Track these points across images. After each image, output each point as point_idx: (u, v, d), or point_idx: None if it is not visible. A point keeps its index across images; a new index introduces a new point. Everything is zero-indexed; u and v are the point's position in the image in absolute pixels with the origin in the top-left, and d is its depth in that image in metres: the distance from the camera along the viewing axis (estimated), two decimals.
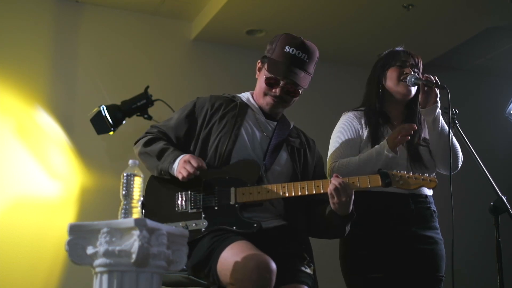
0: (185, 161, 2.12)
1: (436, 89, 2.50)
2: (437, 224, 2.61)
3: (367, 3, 4.45)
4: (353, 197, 2.13)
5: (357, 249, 2.56)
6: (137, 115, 4.17)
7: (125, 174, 1.66)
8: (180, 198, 2.20)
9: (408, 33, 4.78)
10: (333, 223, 2.19)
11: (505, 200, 2.54)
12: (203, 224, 2.14)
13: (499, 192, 2.56)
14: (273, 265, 1.89)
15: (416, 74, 2.59)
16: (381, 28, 4.74)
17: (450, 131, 2.51)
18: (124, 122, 4.13)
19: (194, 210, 2.17)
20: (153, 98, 4.10)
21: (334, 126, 2.73)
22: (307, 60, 2.26)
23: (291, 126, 2.41)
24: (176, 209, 2.19)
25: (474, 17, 4.62)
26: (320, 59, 2.33)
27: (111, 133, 4.10)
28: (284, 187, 2.16)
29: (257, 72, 2.36)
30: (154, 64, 4.86)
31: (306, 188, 2.15)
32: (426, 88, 2.52)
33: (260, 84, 2.31)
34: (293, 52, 2.22)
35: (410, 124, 2.46)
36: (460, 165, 2.65)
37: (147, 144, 2.27)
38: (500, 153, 5.36)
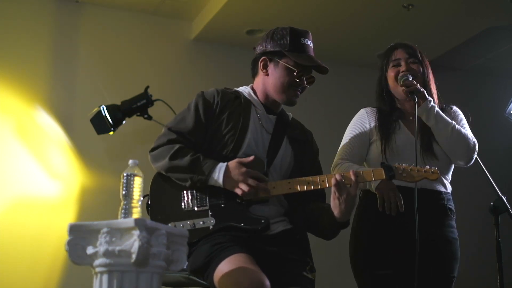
0: (242, 174, 2.10)
1: (417, 92, 2.45)
2: (452, 222, 2.55)
3: (367, 3, 4.45)
4: (356, 201, 2.12)
5: (367, 245, 2.54)
6: (137, 115, 4.14)
7: (125, 174, 1.66)
8: (186, 197, 2.18)
9: (408, 33, 4.77)
10: (328, 225, 2.17)
11: (505, 200, 2.54)
12: (210, 222, 2.13)
13: (499, 192, 2.56)
14: (267, 283, 1.87)
15: (408, 75, 2.52)
16: (381, 28, 4.74)
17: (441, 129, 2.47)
18: (124, 122, 4.12)
19: (201, 208, 2.15)
20: (153, 98, 4.07)
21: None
22: (313, 48, 2.35)
23: (290, 118, 2.41)
24: (183, 207, 2.17)
25: (474, 17, 4.62)
26: (320, 59, 2.33)
27: (111, 133, 4.07)
28: (289, 183, 2.17)
29: (263, 70, 2.31)
30: (154, 64, 4.85)
31: (312, 183, 2.16)
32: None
33: (282, 78, 2.25)
34: (308, 43, 2.30)
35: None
36: (473, 155, 2.53)
37: (173, 157, 2.20)
38: (500, 153, 5.35)
